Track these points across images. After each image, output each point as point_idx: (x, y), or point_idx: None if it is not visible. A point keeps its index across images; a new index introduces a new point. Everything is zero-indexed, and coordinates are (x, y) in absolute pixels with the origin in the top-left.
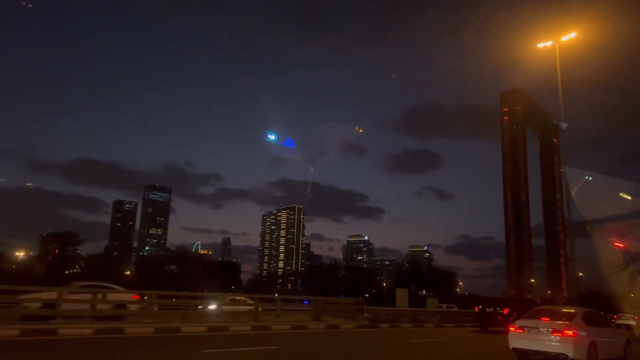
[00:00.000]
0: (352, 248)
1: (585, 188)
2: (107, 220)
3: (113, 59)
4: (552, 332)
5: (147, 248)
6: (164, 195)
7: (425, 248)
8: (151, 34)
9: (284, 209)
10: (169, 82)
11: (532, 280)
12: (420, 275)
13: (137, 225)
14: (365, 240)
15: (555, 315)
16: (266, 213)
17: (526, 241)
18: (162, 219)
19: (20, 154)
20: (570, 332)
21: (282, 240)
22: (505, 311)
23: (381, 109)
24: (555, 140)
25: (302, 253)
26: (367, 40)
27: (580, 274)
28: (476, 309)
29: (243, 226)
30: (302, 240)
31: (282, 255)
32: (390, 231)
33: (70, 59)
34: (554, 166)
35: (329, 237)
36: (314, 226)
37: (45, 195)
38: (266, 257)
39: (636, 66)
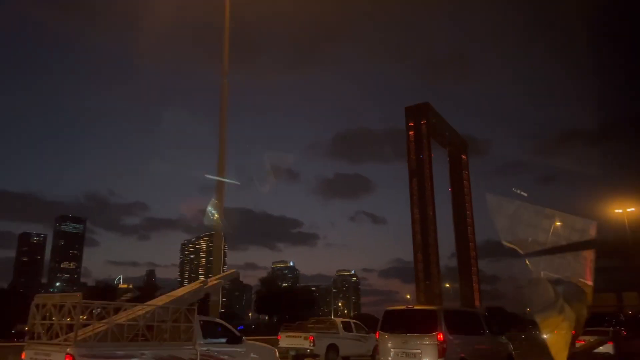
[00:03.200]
0: (277, 275)
1: (505, 211)
2: (12, 255)
3: (26, 82)
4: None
5: (57, 284)
6: (77, 226)
7: (352, 272)
8: (61, 53)
9: (204, 236)
10: (89, 108)
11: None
12: (278, 297)
13: (47, 259)
14: (290, 267)
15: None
16: (185, 241)
17: (434, 258)
18: (75, 251)
19: None
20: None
21: (202, 270)
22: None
23: (312, 134)
24: (464, 157)
25: (227, 283)
26: (294, 65)
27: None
28: None
29: (171, 257)
30: (223, 269)
31: None
32: (325, 257)
33: None
34: (464, 182)
35: (263, 265)
36: (247, 255)
37: None
38: None
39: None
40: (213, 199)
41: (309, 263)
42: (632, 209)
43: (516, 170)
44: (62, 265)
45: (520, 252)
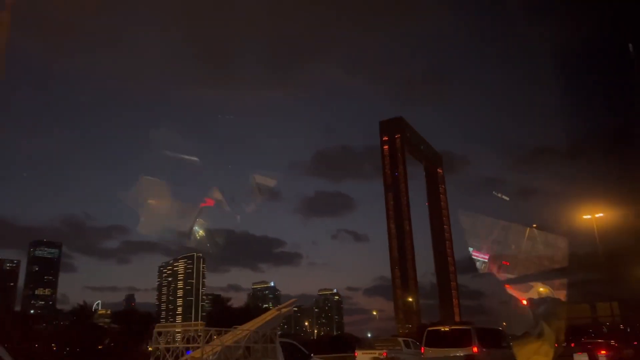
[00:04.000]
0: (257, 296)
1: (479, 230)
2: None
3: None
4: None
5: (32, 312)
6: (53, 251)
7: (335, 291)
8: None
9: (182, 258)
10: (63, 129)
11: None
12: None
13: (21, 285)
14: (270, 287)
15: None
16: (162, 264)
17: (411, 273)
18: (50, 277)
19: None
20: None
21: (180, 293)
22: None
23: (292, 153)
24: (439, 171)
25: (205, 305)
26: (272, 84)
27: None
28: None
29: (151, 281)
30: (202, 291)
31: (179, 309)
32: (309, 276)
33: None
34: (440, 196)
35: (247, 287)
36: (230, 276)
37: None
38: (163, 313)
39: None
40: (199, 219)
41: (292, 283)
42: (601, 214)
43: (494, 184)
44: (36, 292)
45: (491, 266)
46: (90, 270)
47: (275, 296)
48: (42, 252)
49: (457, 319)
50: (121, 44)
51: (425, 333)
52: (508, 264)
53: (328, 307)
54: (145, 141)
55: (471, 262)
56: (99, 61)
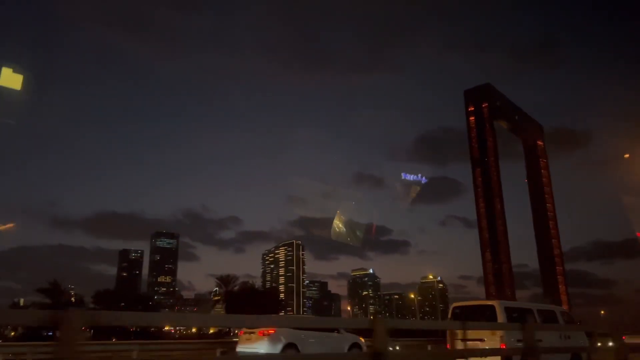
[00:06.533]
0: (357, 283)
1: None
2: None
3: (115, 110)
4: None
5: (155, 297)
6: (171, 241)
7: (439, 278)
8: (146, 76)
9: (282, 246)
10: (172, 128)
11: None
12: (247, 298)
13: (145, 273)
14: (370, 274)
15: None
16: (265, 252)
17: (504, 257)
18: (170, 266)
19: (39, 211)
20: None
21: (282, 280)
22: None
23: (393, 138)
24: (540, 143)
25: (306, 292)
26: (366, 68)
27: None
28: None
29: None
30: (303, 278)
31: (282, 295)
32: (417, 264)
33: (76, 114)
34: (542, 171)
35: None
36: (339, 264)
37: (60, 250)
38: None
39: None
40: (338, 212)
41: (400, 271)
42: None
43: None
44: (158, 279)
45: None
46: (211, 259)
47: (374, 283)
48: (162, 242)
49: (565, 307)
50: (220, 42)
51: (451, 309)
52: None
53: (431, 295)
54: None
55: (598, 248)
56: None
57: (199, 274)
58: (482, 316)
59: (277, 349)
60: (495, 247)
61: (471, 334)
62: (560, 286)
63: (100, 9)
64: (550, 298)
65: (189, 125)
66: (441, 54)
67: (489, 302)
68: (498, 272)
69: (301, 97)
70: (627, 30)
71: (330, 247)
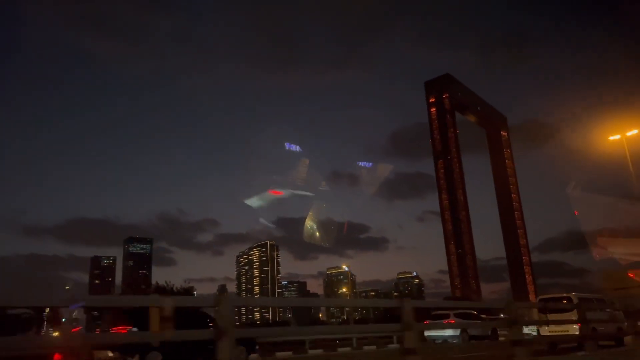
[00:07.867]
0: (332, 281)
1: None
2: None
3: (84, 115)
4: None
5: None
6: (145, 246)
7: (414, 274)
8: (116, 79)
9: (256, 247)
10: (142, 130)
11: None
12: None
13: (119, 280)
14: (345, 272)
15: None
16: (239, 253)
17: (468, 248)
18: (144, 271)
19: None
20: None
21: (256, 281)
22: None
23: (368, 134)
24: (503, 134)
25: (282, 292)
26: (339, 64)
27: None
28: None
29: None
30: (278, 278)
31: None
32: (396, 260)
33: (42, 120)
34: (506, 162)
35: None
36: (317, 264)
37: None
38: None
39: None
40: (310, 213)
41: (379, 268)
42: None
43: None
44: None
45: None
46: (190, 263)
47: (350, 281)
48: (135, 247)
49: (531, 297)
50: (190, 42)
51: (538, 301)
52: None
53: (408, 290)
54: (229, 133)
55: (571, 237)
56: (169, 60)
57: (176, 278)
58: (562, 304)
59: (457, 332)
60: (459, 238)
61: (551, 316)
62: (527, 276)
63: (62, 9)
64: (517, 288)
65: (160, 127)
66: (414, 49)
67: (567, 295)
68: (462, 264)
69: (274, 95)
70: (595, 25)
71: (309, 247)
